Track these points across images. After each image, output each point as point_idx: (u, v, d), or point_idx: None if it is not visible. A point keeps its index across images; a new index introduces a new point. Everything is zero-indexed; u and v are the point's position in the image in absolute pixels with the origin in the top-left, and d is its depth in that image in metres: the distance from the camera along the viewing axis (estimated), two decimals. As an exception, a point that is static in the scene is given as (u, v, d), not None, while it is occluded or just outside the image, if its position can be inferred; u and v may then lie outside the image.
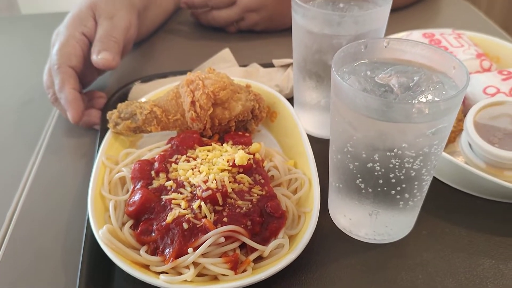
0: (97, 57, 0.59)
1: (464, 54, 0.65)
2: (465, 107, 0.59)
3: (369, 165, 0.41)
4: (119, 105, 0.57)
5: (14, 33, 0.93)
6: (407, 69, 0.44)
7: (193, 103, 0.54)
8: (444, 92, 0.41)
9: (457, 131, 0.56)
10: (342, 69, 0.44)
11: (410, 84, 0.42)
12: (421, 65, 0.45)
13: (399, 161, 0.40)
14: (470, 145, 0.52)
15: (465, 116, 0.55)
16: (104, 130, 0.57)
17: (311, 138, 0.56)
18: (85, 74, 0.63)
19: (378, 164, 0.41)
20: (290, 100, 0.63)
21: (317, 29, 0.52)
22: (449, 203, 0.52)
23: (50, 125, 0.65)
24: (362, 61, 0.45)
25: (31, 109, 0.69)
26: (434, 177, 0.54)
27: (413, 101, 0.40)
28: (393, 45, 0.45)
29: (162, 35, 0.87)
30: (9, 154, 0.62)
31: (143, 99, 0.61)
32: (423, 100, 0.40)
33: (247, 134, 0.56)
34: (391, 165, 0.40)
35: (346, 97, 0.40)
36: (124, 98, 0.65)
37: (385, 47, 0.45)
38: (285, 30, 0.84)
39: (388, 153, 0.40)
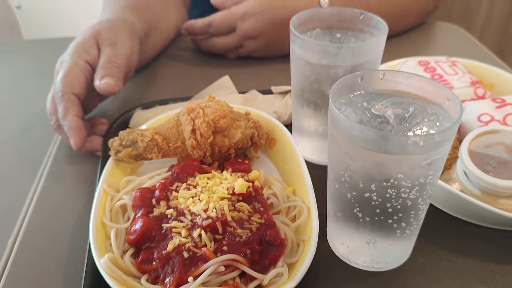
0: (100, 83, 0.61)
1: (458, 82, 0.66)
2: (460, 134, 0.60)
3: (366, 195, 0.42)
4: (121, 132, 0.58)
5: (16, 58, 0.95)
6: (403, 101, 0.45)
7: (193, 131, 0.55)
8: (438, 124, 0.42)
9: (452, 158, 0.57)
10: (339, 100, 0.45)
11: (406, 115, 0.44)
12: (416, 96, 0.46)
13: (396, 191, 0.41)
14: (465, 173, 0.53)
15: (460, 143, 0.56)
16: (106, 156, 0.58)
17: (310, 165, 0.57)
18: (88, 100, 0.64)
19: (375, 194, 0.41)
20: (289, 126, 0.64)
21: (314, 59, 0.54)
22: (445, 230, 0.52)
23: (52, 151, 0.66)
24: (359, 92, 0.46)
25: (33, 135, 0.70)
26: (430, 204, 0.55)
27: (408, 133, 0.41)
28: (389, 77, 0.46)
29: (163, 60, 0.88)
30: (11, 180, 0.63)
31: (143, 126, 0.62)
32: (418, 132, 0.41)
33: (246, 161, 0.57)
34: (387, 195, 0.41)
35: (343, 128, 0.41)
36: (125, 124, 0.66)
37: (381, 78, 0.46)
38: (283, 56, 0.86)
39: (385, 184, 0.41)
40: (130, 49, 0.66)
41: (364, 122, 0.43)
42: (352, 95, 0.46)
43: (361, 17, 0.59)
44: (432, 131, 0.41)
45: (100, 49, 0.64)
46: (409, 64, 0.70)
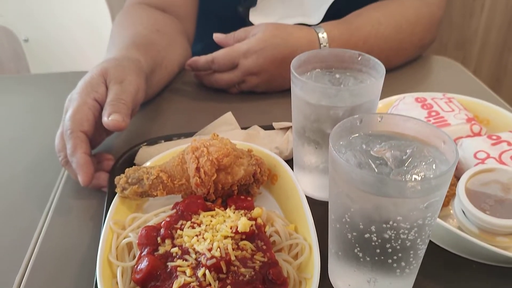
0: (107, 119, 0.63)
1: (455, 119, 0.68)
2: (458, 171, 0.62)
3: (367, 235, 0.43)
4: (127, 170, 0.59)
5: (23, 92, 0.97)
6: (400, 143, 0.47)
7: (197, 169, 0.57)
8: (435, 166, 0.44)
9: (450, 195, 0.58)
10: (339, 142, 0.47)
11: (404, 157, 0.45)
12: (413, 138, 0.48)
13: (395, 232, 0.42)
14: (463, 210, 0.54)
15: (457, 180, 0.58)
16: (112, 193, 0.60)
17: (311, 200, 0.58)
18: (95, 135, 0.66)
19: (375, 235, 0.43)
20: (290, 161, 0.66)
21: (314, 100, 0.56)
22: (445, 267, 0.53)
23: (58, 187, 0.68)
24: (358, 134, 0.48)
25: (40, 170, 0.72)
26: (430, 241, 0.56)
27: (406, 177, 0.42)
28: (387, 120, 0.48)
29: (167, 95, 0.91)
30: (18, 215, 0.64)
31: (148, 163, 0.64)
32: (416, 175, 0.42)
33: (249, 198, 0.58)
34: (387, 236, 0.42)
35: (343, 171, 0.42)
36: (130, 160, 0.68)
37: (379, 121, 0.48)
38: (284, 91, 0.88)
39: (384, 225, 0.42)
40: (137, 86, 0.68)
41: (363, 164, 0.44)
42: (351, 137, 0.48)
43: (359, 58, 0.61)
44: (429, 175, 0.42)
45: (107, 86, 0.67)
46: (406, 101, 0.72)
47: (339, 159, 0.42)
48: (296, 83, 0.57)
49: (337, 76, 0.61)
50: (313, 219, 0.54)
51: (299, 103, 0.58)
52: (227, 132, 0.72)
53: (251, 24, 1.00)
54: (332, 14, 0.95)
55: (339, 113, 0.56)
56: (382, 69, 0.57)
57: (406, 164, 0.44)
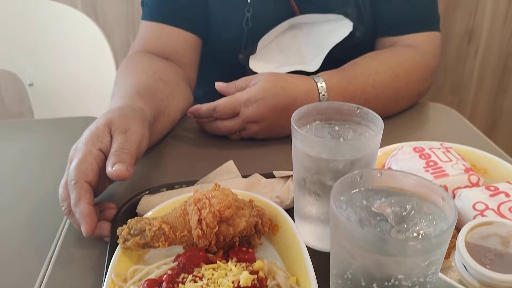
0: (111, 169, 0.64)
1: (453, 169, 0.69)
2: (457, 222, 0.62)
3: (369, 293, 0.43)
4: (129, 221, 0.60)
5: (26, 137, 0.98)
6: (400, 199, 0.48)
7: (199, 221, 0.57)
8: (434, 223, 0.45)
9: (450, 247, 0.59)
10: (340, 197, 0.48)
11: (404, 213, 0.46)
12: (412, 193, 0.49)
13: (397, 290, 0.42)
14: (463, 264, 0.55)
15: (458, 231, 0.58)
16: (114, 243, 0.60)
17: (312, 251, 0.59)
18: (98, 185, 0.67)
19: (377, 292, 0.43)
20: (291, 210, 0.67)
21: (315, 153, 0.57)
22: (447, 322, 0.53)
23: (61, 235, 0.68)
24: (358, 190, 0.49)
25: (42, 218, 0.72)
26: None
27: (406, 235, 0.43)
28: (386, 175, 0.49)
29: (169, 141, 0.92)
30: (20, 264, 0.64)
31: (150, 213, 0.64)
32: (416, 234, 0.43)
33: (250, 250, 0.59)
34: (389, 294, 0.43)
35: (344, 229, 0.43)
36: (133, 209, 0.68)
37: (379, 177, 0.49)
38: (284, 138, 0.90)
39: (386, 283, 0.42)
40: (141, 135, 0.70)
41: (364, 221, 0.45)
42: (352, 193, 0.49)
43: (357, 111, 0.63)
44: (429, 233, 0.43)
45: (112, 136, 0.68)
46: (404, 151, 0.74)
47: (340, 217, 0.43)
48: (297, 136, 0.59)
49: (337, 128, 0.63)
50: (315, 270, 0.54)
51: (300, 155, 0.59)
52: (229, 181, 0.73)
53: (251, 70, 1.03)
54: (329, 62, 0.98)
55: (339, 166, 0.57)
56: (380, 123, 0.59)
57: (406, 221, 0.45)
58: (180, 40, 1.03)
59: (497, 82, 1.85)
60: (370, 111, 0.62)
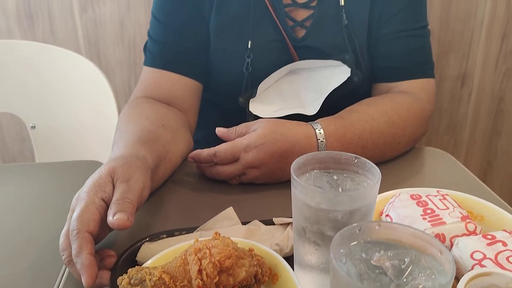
0: (113, 219, 0.64)
1: (450, 217, 0.70)
2: (456, 271, 0.63)
3: None
4: (130, 270, 0.60)
5: (26, 181, 0.99)
6: (399, 251, 0.48)
7: (200, 271, 0.57)
8: (433, 277, 0.45)
9: (450, 298, 0.59)
10: (339, 250, 0.49)
11: (402, 266, 0.47)
12: (410, 246, 0.49)
13: None
14: (463, 316, 0.55)
15: (456, 280, 0.58)
16: (113, 293, 0.60)
17: (312, 301, 0.59)
18: (99, 233, 0.68)
19: None
20: (291, 258, 0.67)
21: (314, 204, 0.58)
22: None
23: (60, 284, 0.68)
24: (357, 242, 0.50)
25: (41, 266, 0.72)
26: None
27: (405, 290, 0.44)
28: (384, 227, 0.50)
29: (169, 186, 0.93)
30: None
31: (150, 261, 0.64)
32: (415, 289, 0.44)
33: (250, 300, 0.59)
34: None
35: (345, 283, 0.44)
36: (133, 256, 0.68)
37: (377, 229, 0.50)
38: (283, 183, 0.91)
39: None
40: (142, 184, 0.71)
41: (363, 274, 0.46)
42: (351, 245, 0.50)
43: (355, 161, 0.64)
44: (428, 287, 0.44)
45: (114, 185, 0.69)
46: (402, 198, 0.75)
47: (340, 271, 0.43)
48: (296, 186, 0.60)
49: (335, 177, 0.64)
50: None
51: (300, 205, 0.60)
52: (228, 228, 0.74)
53: (251, 113, 1.05)
54: (328, 106, 1.01)
55: (338, 216, 0.58)
56: (378, 173, 0.60)
57: (405, 275, 0.45)
58: (181, 86, 1.06)
59: (491, 124, 1.89)
60: (368, 161, 0.63)
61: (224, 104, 1.17)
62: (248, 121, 1.01)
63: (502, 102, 1.85)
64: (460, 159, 1.96)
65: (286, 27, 1.06)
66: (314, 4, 1.07)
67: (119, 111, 1.21)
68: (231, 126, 0.93)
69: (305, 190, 0.59)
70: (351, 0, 1.05)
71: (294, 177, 0.60)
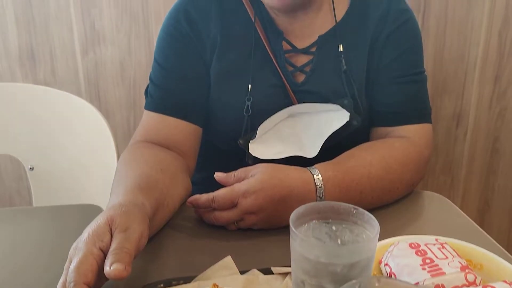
0: (109, 269, 0.64)
1: (449, 267, 0.70)
2: (457, 325, 0.62)
3: None
4: (127, 324, 0.59)
5: (23, 225, 0.98)
6: (399, 309, 0.48)
7: (198, 326, 0.57)
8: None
9: None
10: (339, 308, 0.48)
11: (403, 325, 0.46)
12: (410, 302, 0.49)
13: None
14: None
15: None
16: None
17: None
18: (96, 282, 0.67)
19: None
20: (289, 309, 0.66)
21: (313, 257, 0.58)
22: None
23: (54, 337, 0.66)
24: (357, 299, 0.50)
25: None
26: None
27: None
28: (383, 283, 0.50)
29: (166, 230, 0.92)
30: None
31: (148, 313, 0.64)
32: None
33: None
34: None
35: None
36: (129, 308, 0.68)
37: (377, 286, 0.50)
38: (281, 228, 0.90)
39: None
40: (140, 233, 0.71)
41: (364, 334, 0.45)
42: (351, 302, 0.49)
43: (354, 212, 0.65)
44: None
45: (112, 234, 0.69)
46: (400, 247, 0.75)
47: (340, 333, 0.43)
48: (295, 238, 0.60)
49: (334, 228, 0.65)
50: None
51: (299, 257, 0.60)
52: (227, 278, 0.73)
53: (250, 155, 1.06)
54: (327, 149, 1.02)
55: (338, 269, 0.58)
56: (376, 225, 0.60)
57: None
58: (181, 130, 1.07)
59: (487, 163, 1.90)
60: (366, 212, 0.63)
61: (224, 146, 1.18)
62: (248, 163, 1.02)
63: (497, 141, 1.87)
64: (457, 198, 1.97)
65: (286, 73, 1.08)
66: (313, 50, 1.10)
67: (118, 154, 1.22)
68: (230, 168, 0.93)
69: (304, 243, 0.59)
70: (350, 46, 1.08)
71: (293, 229, 0.60)
